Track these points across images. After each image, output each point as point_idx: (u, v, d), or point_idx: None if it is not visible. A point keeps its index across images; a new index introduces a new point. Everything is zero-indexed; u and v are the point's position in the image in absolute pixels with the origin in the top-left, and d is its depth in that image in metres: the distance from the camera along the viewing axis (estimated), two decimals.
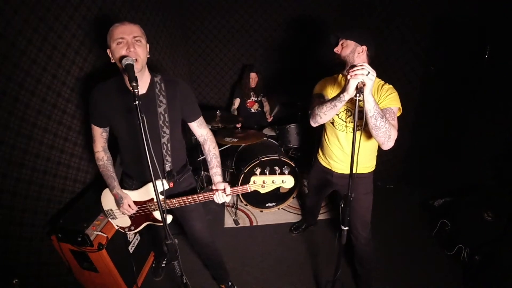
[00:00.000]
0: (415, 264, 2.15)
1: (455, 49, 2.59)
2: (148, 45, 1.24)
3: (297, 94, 3.18)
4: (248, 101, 3.32)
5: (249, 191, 1.35)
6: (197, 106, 1.45)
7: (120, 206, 1.41)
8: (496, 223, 2.05)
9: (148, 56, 1.24)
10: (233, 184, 2.60)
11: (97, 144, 1.40)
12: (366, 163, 1.65)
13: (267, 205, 2.75)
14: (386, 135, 1.28)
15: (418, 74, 2.83)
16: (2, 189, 1.30)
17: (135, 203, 1.45)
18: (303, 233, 2.50)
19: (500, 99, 2.37)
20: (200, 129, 1.48)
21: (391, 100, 1.39)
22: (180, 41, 3.25)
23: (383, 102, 1.40)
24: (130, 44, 1.13)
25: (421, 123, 2.93)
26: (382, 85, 1.45)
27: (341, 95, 1.22)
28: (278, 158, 2.51)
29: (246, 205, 2.75)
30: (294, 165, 2.58)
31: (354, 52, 1.43)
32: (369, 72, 1.08)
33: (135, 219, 1.53)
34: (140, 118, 0.95)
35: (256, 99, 3.35)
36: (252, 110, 3.37)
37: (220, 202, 1.38)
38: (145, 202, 1.45)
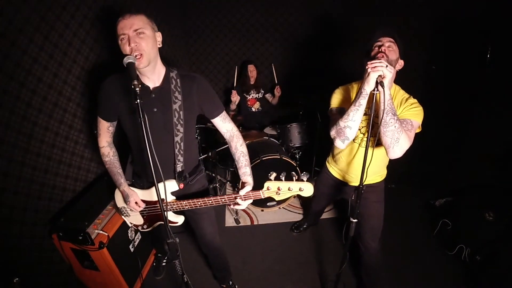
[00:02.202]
0: (415, 264, 2.15)
1: (457, 49, 2.59)
2: (158, 34, 1.18)
3: (298, 93, 3.17)
4: (248, 98, 3.28)
5: (263, 197, 1.26)
6: (218, 100, 1.35)
7: (127, 203, 1.38)
8: (497, 223, 2.04)
9: (160, 45, 1.18)
10: (233, 183, 2.62)
11: (102, 138, 1.33)
12: (378, 173, 1.61)
13: (268, 204, 2.75)
14: (394, 136, 1.23)
15: (420, 74, 2.82)
16: (3, 188, 1.30)
17: (146, 202, 1.42)
18: (304, 232, 2.50)
19: (501, 99, 2.36)
20: (224, 124, 1.37)
21: (413, 114, 1.34)
22: (181, 40, 3.26)
23: (405, 114, 1.35)
24: (131, 39, 1.07)
25: (422, 123, 2.92)
26: (407, 98, 1.39)
27: (362, 89, 1.22)
28: (279, 157, 2.51)
29: None
30: (295, 165, 2.57)
31: (397, 61, 1.33)
32: (387, 65, 1.12)
33: (147, 218, 1.51)
34: (141, 118, 0.92)
35: (257, 95, 3.31)
36: (253, 109, 3.35)
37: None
38: (155, 202, 1.42)
